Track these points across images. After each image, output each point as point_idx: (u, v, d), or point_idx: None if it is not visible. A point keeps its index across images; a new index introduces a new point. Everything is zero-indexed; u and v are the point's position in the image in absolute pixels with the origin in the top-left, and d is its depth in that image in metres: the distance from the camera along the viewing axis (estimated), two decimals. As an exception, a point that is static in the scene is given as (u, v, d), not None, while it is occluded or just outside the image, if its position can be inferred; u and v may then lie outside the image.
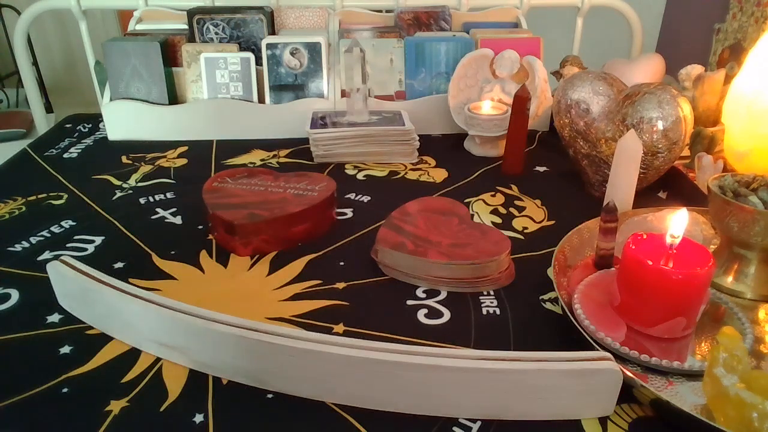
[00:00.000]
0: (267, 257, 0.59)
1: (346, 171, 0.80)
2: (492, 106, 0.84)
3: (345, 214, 0.68)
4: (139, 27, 1.02)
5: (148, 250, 0.60)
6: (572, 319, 0.46)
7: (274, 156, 0.85)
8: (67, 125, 1.00)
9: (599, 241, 0.53)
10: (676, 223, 0.45)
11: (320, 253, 0.60)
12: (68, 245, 0.61)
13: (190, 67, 0.91)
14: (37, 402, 0.41)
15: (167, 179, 0.78)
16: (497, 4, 1.07)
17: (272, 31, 0.97)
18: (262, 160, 0.84)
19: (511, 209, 0.69)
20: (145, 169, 0.81)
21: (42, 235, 0.63)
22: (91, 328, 0.48)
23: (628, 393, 0.40)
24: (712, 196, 0.51)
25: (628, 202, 0.62)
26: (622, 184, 0.61)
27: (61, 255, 0.52)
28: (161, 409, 0.40)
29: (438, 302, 0.52)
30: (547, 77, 0.84)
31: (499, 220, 0.67)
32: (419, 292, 0.53)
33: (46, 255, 0.59)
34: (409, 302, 0.52)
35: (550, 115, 0.94)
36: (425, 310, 0.51)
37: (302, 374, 0.41)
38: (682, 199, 0.69)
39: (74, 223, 0.65)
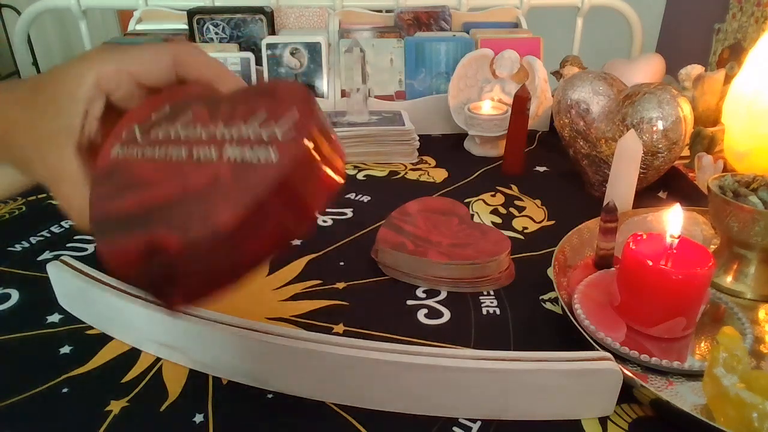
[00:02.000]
0: (267, 257, 0.59)
1: (346, 171, 0.80)
2: (492, 106, 0.84)
3: (345, 214, 0.68)
4: (139, 27, 1.02)
5: (148, 250, 0.60)
6: (572, 319, 0.46)
7: (274, 156, 0.85)
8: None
9: (599, 241, 0.53)
10: (673, 221, 0.45)
11: (320, 253, 0.60)
12: (68, 245, 0.61)
13: (190, 67, 0.91)
14: (37, 402, 0.41)
15: (167, 179, 0.78)
16: (497, 4, 1.07)
17: (272, 31, 0.97)
18: (262, 160, 0.84)
19: (511, 209, 0.69)
20: (145, 169, 0.81)
21: (42, 235, 0.63)
22: (91, 328, 0.48)
23: (628, 393, 0.40)
24: (712, 196, 0.51)
25: (628, 202, 0.62)
26: (622, 184, 0.61)
27: (61, 255, 0.52)
28: (161, 409, 0.40)
29: (438, 302, 0.52)
30: (547, 77, 0.84)
31: (499, 220, 0.67)
32: (419, 292, 0.53)
33: (46, 255, 0.59)
34: (409, 302, 0.52)
35: (550, 115, 0.94)
36: (425, 310, 0.51)
37: (302, 374, 0.41)
38: (682, 199, 0.69)
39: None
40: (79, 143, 0.34)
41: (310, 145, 0.30)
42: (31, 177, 0.36)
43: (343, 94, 0.91)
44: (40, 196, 0.72)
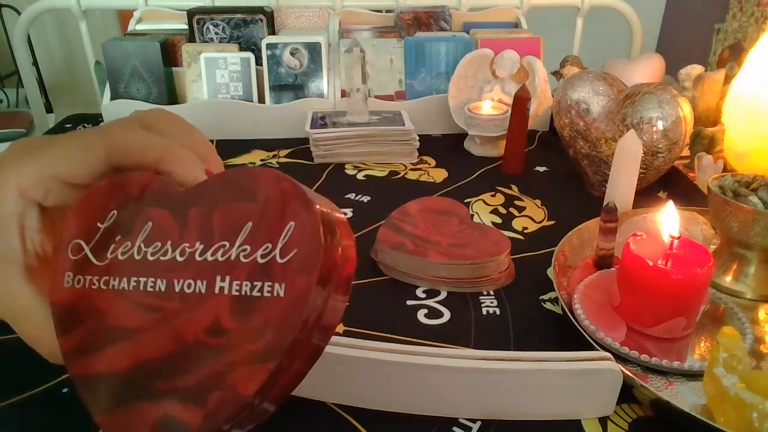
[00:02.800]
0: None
1: (346, 171, 0.80)
2: (492, 106, 0.84)
3: (345, 214, 0.68)
4: (139, 27, 1.02)
5: (148, 250, 0.60)
6: (572, 319, 0.46)
7: (274, 156, 0.85)
8: (67, 125, 1.00)
9: (599, 241, 0.53)
10: (668, 220, 0.45)
11: (320, 253, 0.59)
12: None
13: (190, 67, 0.91)
14: (37, 402, 0.41)
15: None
16: (497, 4, 1.07)
17: (272, 31, 0.97)
18: (262, 160, 0.84)
19: (511, 209, 0.69)
20: (145, 169, 0.81)
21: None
22: (91, 328, 0.48)
23: (628, 393, 0.40)
24: (712, 196, 0.51)
25: (628, 202, 0.62)
26: (622, 184, 0.61)
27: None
28: (161, 409, 0.40)
29: (438, 302, 0.52)
30: (547, 77, 0.84)
31: (499, 220, 0.67)
32: (419, 292, 0.53)
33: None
34: (409, 302, 0.52)
35: (550, 115, 0.94)
36: (425, 310, 0.51)
37: (302, 374, 0.41)
38: (682, 199, 0.69)
39: (74, 223, 0.65)
40: (26, 265, 0.29)
41: (320, 261, 0.24)
42: None
43: (343, 94, 0.91)
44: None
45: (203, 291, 0.26)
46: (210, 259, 0.26)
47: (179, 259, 0.27)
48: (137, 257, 0.28)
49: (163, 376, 0.26)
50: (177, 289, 0.27)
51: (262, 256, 0.25)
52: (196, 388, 0.25)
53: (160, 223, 0.28)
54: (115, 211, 0.29)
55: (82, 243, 0.29)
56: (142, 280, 0.27)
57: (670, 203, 0.47)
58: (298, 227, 0.25)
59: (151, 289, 0.27)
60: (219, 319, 0.25)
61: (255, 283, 0.25)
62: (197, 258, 0.27)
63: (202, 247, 0.27)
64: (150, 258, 0.27)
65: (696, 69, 0.81)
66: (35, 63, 2.17)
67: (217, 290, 0.26)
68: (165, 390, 0.26)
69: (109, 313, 0.27)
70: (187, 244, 0.27)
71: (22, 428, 0.39)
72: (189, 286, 0.26)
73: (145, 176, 0.29)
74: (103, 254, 0.28)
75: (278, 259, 0.25)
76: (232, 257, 0.26)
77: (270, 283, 0.25)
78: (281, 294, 0.25)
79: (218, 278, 0.26)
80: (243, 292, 0.25)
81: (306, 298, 0.24)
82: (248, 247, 0.26)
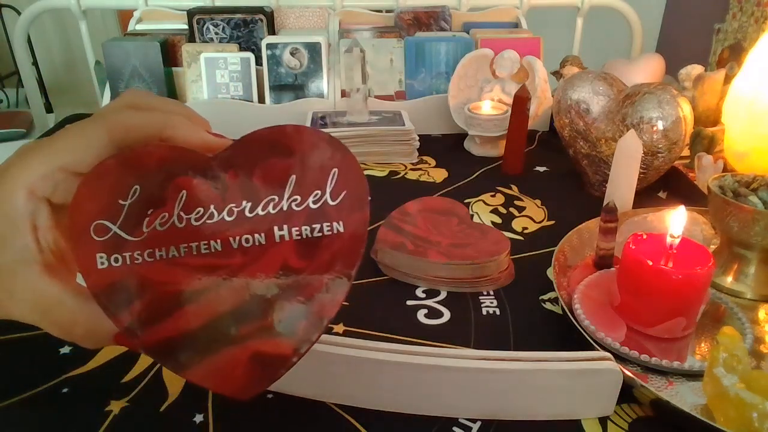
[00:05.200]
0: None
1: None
2: (492, 106, 0.84)
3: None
4: (139, 27, 1.02)
5: (148, 250, 0.60)
6: (572, 319, 0.46)
7: (274, 156, 0.85)
8: (67, 125, 1.00)
9: (599, 241, 0.53)
10: (676, 222, 0.45)
11: (320, 253, 0.60)
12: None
13: (190, 67, 0.91)
14: (37, 402, 0.41)
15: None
16: (497, 4, 1.07)
17: (272, 31, 0.97)
18: (262, 160, 0.84)
19: (511, 209, 0.69)
20: (145, 169, 0.81)
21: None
22: (91, 328, 0.48)
23: (628, 393, 0.40)
24: (712, 196, 0.51)
25: (628, 202, 0.62)
26: (622, 184, 0.61)
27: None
28: (161, 409, 0.40)
29: (438, 302, 0.52)
30: (547, 77, 0.84)
31: (499, 220, 0.67)
32: (419, 292, 0.53)
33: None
34: (409, 302, 0.52)
35: (550, 115, 0.94)
36: (425, 310, 0.51)
37: (302, 374, 0.40)
38: (682, 199, 0.69)
39: (74, 223, 0.65)
40: (44, 263, 0.29)
41: (367, 196, 0.29)
42: (10, 318, 0.30)
43: (343, 94, 0.91)
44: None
45: (263, 242, 0.28)
46: (261, 213, 0.28)
47: (228, 219, 0.28)
48: (180, 225, 0.28)
49: (244, 321, 0.27)
50: (235, 246, 0.28)
51: (314, 202, 0.28)
52: (281, 323, 0.28)
53: (195, 190, 0.28)
54: (137, 186, 0.28)
55: (107, 223, 0.28)
56: (193, 244, 0.28)
57: (682, 208, 0.46)
58: (343, 172, 0.28)
59: (206, 251, 0.28)
60: (287, 263, 0.28)
61: (314, 225, 0.28)
62: (248, 215, 0.28)
63: (249, 204, 0.28)
64: (195, 223, 0.28)
65: (696, 69, 0.81)
66: (35, 63, 2.16)
67: (277, 239, 0.28)
68: (249, 333, 0.27)
69: (164, 281, 0.28)
70: (233, 204, 0.28)
71: (22, 428, 0.39)
72: (247, 240, 0.28)
73: (159, 148, 0.29)
74: (137, 229, 0.28)
75: (330, 202, 0.28)
76: (285, 208, 0.28)
77: (328, 223, 0.28)
78: (341, 230, 0.29)
79: (275, 228, 0.28)
80: (304, 236, 0.28)
81: (364, 230, 0.29)
82: (298, 197, 0.28)
